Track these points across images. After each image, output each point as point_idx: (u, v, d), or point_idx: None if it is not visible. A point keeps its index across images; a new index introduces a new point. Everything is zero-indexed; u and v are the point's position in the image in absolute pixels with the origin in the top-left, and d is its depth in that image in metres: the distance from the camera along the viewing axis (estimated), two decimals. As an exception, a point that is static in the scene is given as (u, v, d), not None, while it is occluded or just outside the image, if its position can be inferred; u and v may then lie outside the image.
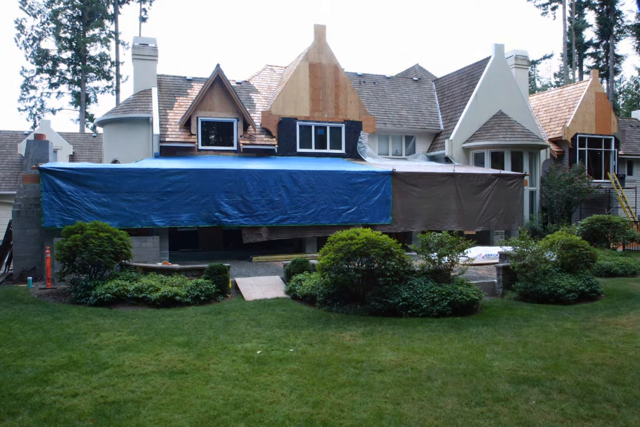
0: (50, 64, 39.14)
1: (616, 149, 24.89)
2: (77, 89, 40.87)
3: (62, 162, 24.52)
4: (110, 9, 40.82)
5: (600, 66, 46.19)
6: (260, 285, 11.59)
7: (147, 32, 69.51)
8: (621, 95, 53.53)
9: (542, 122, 26.07)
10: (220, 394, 5.45)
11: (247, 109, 19.13)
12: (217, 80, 18.27)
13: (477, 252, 15.21)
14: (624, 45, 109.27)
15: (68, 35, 38.93)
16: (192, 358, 6.65)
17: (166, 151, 18.03)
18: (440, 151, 21.65)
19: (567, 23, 44.20)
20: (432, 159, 22.29)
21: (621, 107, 50.76)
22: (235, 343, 7.34)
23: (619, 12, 44.88)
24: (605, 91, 29.52)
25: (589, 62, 48.09)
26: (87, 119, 41.33)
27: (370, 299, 9.31)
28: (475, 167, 20.50)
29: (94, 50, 40.10)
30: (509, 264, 11.13)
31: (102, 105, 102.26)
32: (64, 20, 38.99)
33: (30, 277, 12.13)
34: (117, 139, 18.99)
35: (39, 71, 39.50)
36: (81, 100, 39.93)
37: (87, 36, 38.58)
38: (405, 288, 9.28)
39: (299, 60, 20.00)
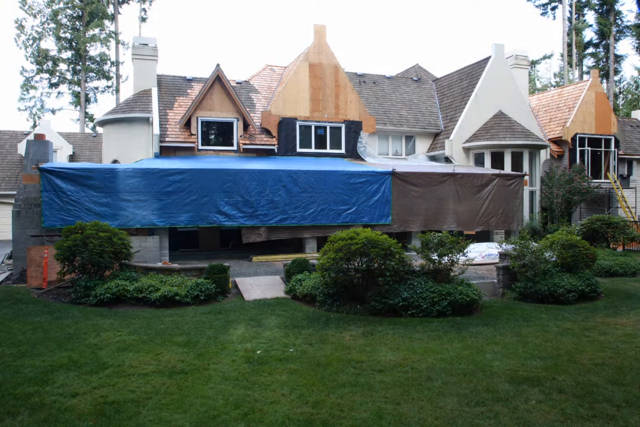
0: (50, 64, 39.15)
1: (616, 149, 24.90)
2: (77, 89, 40.89)
3: (62, 162, 24.55)
4: (110, 9, 40.84)
5: (600, 66, 46.18)
6: (260, 285, 11.59)
7: (147, 32, 69.51)
8: (621, 95, 53.46)
9: (542, 122, 26.05)
10: (220, 394, 5.45)
11: (247, 109, 19.11)
12: (217, 80, 18.26)
13: (479, 248, 15.25)
14: (624, 45, 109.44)
15: (68, 35, 38.95)
16: (192, 358, 6.65)
17: (166, 151, 18.03)
18: (440, 151, 21.64)
19: (567, 23, 44.18)
20: (432, 159, 22.28)
21: (621, 107, 50.71)
22: (235, 343, 7.33)
23: (619, 12, 44.90)
24: (605, 91, 29.51)
25: (589, 62, 48.13)
26: (87, 119, 41.35)
27: (370, 299, 9.31)
28: (475, 167, 20.50)
29: (94, 50, 40.13)
30: (508, 264, 11.12)
31: (102, 105, 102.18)
32: (64, 20, 39.03)
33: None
34: (117, 139, 18.99)
35: (39, 71, 39.51)
36: (81, 100, 39.94)
37: (87, 36, 38.60)
38: (405, 288, 9.28)
39: (299, 61, 19.99)
